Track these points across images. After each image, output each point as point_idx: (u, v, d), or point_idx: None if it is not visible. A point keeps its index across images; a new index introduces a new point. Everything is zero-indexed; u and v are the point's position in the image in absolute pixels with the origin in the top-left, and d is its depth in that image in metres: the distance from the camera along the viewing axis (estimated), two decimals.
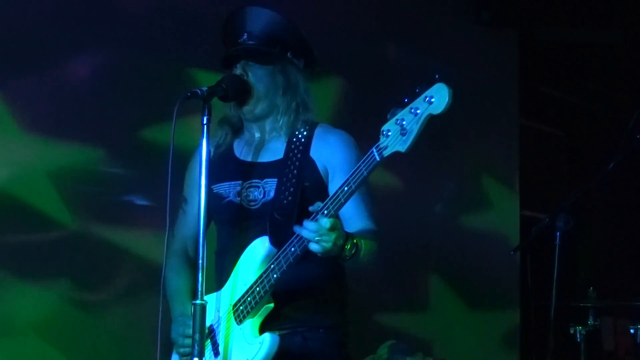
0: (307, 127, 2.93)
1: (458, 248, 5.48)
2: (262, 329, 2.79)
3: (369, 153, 2.58)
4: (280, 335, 2.79)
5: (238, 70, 2.91)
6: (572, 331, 4.59)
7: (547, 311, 4.34)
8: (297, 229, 2.64)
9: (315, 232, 2.60)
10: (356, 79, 5.06)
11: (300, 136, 2.93)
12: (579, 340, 4.60)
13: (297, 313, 2.85)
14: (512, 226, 5.67)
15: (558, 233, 4.35)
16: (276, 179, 2.89)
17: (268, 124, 2.98)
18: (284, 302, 2.82)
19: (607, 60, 6.02)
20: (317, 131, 2.94)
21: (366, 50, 5.19)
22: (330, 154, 2.90)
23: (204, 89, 2.75)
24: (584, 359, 4.61)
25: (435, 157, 5.34)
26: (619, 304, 4.83)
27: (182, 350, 2.89)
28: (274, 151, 2.95)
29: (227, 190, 2.95)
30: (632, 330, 4.43)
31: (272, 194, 2.88)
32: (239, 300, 2.80)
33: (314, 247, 2.63)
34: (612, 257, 6.17)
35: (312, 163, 2.90)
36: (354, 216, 2.83)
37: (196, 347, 2.63)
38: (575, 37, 5.87)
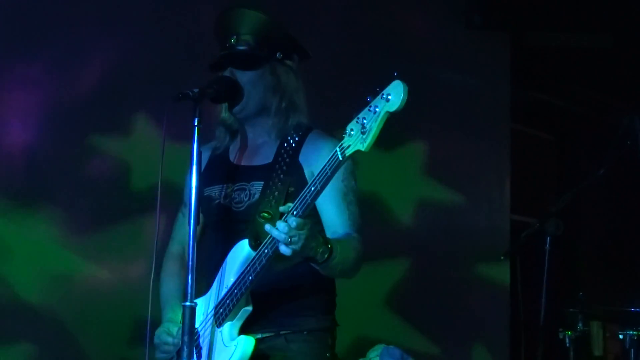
0: (300, 133, 2.93)
1: (447, 252, 5.49)
2: (242, 332, 2.79)
3: (332, 152, 2.58)
4: (263, 339, 2.80)
5: (227, 73, 2.91)
6: (561, 336, 4.61)
7: (536, 316, 4.35)
8: (267, 227, 2.63)
9: (284, 233, 2.58)
10: (346, 83, 5.06)
11: (291, 141, 2.93)
12: (568, 345, 4.62)
13: (280, 315, 2.84)
14: (502, 231, 5.69)
15: (548, 238, 4.38)
16: (262, 182, 2.90)
17: (259, 126, 2.97)
18: (266, 305, 2.82)
19: (598, 65, 6.03)
20: (309, 137, 2.93)
21: (356, 54, 5.18)
22: (317, 160, 2.84)
23: (195, 90, 2.73)
24: None
25: (426, 160, 5.34)
26: (608, 309, 4.83)
27: (161, 355, 2.91)
28: (264, 155, 2.95)
29: (216, 193, 2.95)
30: (620, 336, 4.44)
31: (257, 196, 2.89)
32: (219, 303, 2.81)
33: (283, 248, 2.60)
34: (601, 262, 6.19)
35: (300, 168, 2.90)
36: (335, 223, 2.83)
37: (185, 349, 2.61)
38: (566, 41, 5.88)
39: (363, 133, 2.49)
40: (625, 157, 4.43)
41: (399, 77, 2.46)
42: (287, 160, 2.90)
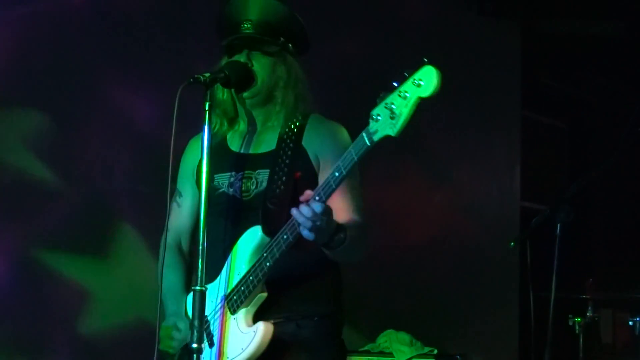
0: (300, 117, 2.93)
1: (458, 239, 5.50)
2: (256, 318, 2.79)
3: (358, 137, 2.55)
4: (275, 324, 2.80)
5: (242, 58, 2.90)
6: (570, 323, 4.62)
7: (546, 303, 4.35)
8: (294, 211, 2.62)
9: (309, 217, 2.58)
10: (357, 68, 5.06)
11: (292, 127, 2.93)
12: (577, 332, 4.63)
13: (291, 302, 2.84)
14: (513, 218, 5.71)
15: (558, 224, 4.37)
16: (268, 170, 2.89)
17: (262, 114, 2.97)
18: (278, 291, 2.81)
19: (610, 52, 6.02)
20: (310, 121, 2.93)
21: (368, 39, 5.19)
22: (322, 143, 2.88)
23: (207, 75, 2.73)
24: (582, 351, 4.66)
25: (436, 148, 5.35)
26: (618, 296, 4.85)
27: (167, 349, 2.90)
28: (267, 142, 2.94)
29: (220, 182, 2.93)
30: (630, 323, 4.45)
31: (264, 184, 2.88)
32: (232, 290, 2.80)
33: (306, 233, 2.61)
34: (612, 249, 6.18)
35: (304, 153, 2.89)
36: (342, 208, 2.80)
37: (195, 334, 2.61)
38: (578, 28, 5.88)
39: (392, 118, 2.47)
40: (637, 144, 4.43)
41: (430, 63, 2.44)
42: (291, 145, 2.89)
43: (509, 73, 5.81)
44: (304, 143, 2.90)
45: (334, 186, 2.60)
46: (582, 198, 4.60)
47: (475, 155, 5.63)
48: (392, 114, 2.48)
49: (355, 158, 2.57)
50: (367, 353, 4.60)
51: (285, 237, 2.69)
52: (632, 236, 6.28)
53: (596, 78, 6.39)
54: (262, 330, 2.76)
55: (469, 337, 5.15)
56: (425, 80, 2.44)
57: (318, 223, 2.60)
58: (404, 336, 4.64)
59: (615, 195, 6.08)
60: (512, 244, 5.25)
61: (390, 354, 4.58)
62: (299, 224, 2.61)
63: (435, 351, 4.58)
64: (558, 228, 4.36)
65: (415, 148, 5.21)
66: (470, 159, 5.61)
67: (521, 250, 5.40)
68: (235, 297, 2.79)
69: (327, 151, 2.86)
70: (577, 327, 4.62)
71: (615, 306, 5.36)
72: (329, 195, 2.61)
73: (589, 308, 4.60)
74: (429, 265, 5.42)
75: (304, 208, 2.59)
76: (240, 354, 2.77)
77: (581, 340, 4.62)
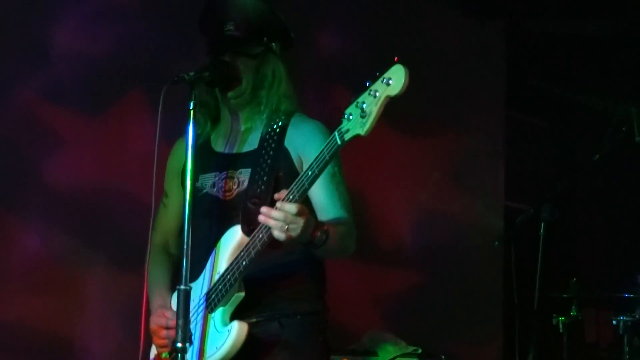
0: (282, 117, 2.94)
1: (442, 237, 5.52)
2: (234, 318, 2.80)
3: (331, 137, 2.58)
4: (257, 323, 2.81)
5: (226, 58, 2.91)
6: (554, 322, 4.60)
7: (530, 302, 4.37)
8: (261, 218, 2.64)
9: (281, 220, 2.60)
10: (341, 68, 5.06)
11: (275, 126, 2.94)
12: (561, 331, 4.61)
13: (273, 300, 2.85)
14: (497, 217, 5.74)
15: (542, 224, 4.39)
16: (250, 169, 2.90)
17: (246, 114, 2.99)
18: (260, 290, 2.83)
19: (594, 52, 6.05)
20: (293, 121, 2.95)
21: (352, 39, 5.19)
22: (304, 143, 2.89)
23: (191, 74, 2.73)
24: (566, 351, 4.63)
25: (420, 147, 5.36)
26: (602, 296, 4.87)
27: (161, 343, 2.91)
28: (250, 142, 2.97)
29: (203, 183, 2.95)
30: (614, 322, 4.43)
31: (245, 183, 2.90)
32: (211, 289, 2.82)
33: (278, 234, 2.62)
34: (596, 248, 6.21)
35: (286, 153, 2.91)
36: (327, 206, 2.83)
37: (180, 333, 2.62)
38: (562, 28, 5.90)
39: (363, 117, 2.50)
40: (620, 144, 4.45)
41: (399, 62, 2.46)
42: (273, 145, 2.91)
43: (492, 73, 5.84)
44: (286, 143, 2.91)
45: (307, 185, 2.62)
46: (566, 197, 4.62)
47: (459, 154, 5.65)
48: (362, 112, 2.51)
49: (327, 157, 2.59)
50: (352, 352, 4.60)
51: (260, 236, 2.70)
52: (616, 235, 6.30)
53: (580, 77, 6.41)
54: (236, 330, 2.77)
55: (453, 336, 5.17)
56: (395, 79, 2.46)
57: (293, 224, 2.61)
58: (388, 335, 4.67)
59: (599, 194, 6.10)
60: (497, 243, 5.28)
61: (374, 354, 4.59)
62: (272, 227, 2.63)
63: (420, 350, 4.59)
64: (542, 227, 4.38)
65: (400, 147, 5.23)
66: (455, 158, 5.63)
67: (505, 250, 5.41)
68: (213, 296, 2.81)
69: (309, 150, 2.84)
70: (561, 326, 4.58)
71: (599, 305, 5.38)
72: (301, 194, 2.63)
73: (573, 307, 4.57)
74: (414, 264, 5.44)
75: (273, 212, 2.61)
76: (215, 352, 2.78)
77: (565, 339, 4.60)
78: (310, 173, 2.61)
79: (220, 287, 2.79)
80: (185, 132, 2.68)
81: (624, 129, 4.46)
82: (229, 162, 2.95)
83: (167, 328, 2.87)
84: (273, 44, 2.96)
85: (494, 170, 5.80)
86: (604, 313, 4.69)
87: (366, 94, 2.50)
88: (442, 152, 5.57)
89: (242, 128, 3.00)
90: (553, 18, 5.83)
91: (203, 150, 2.95)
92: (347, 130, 2.53)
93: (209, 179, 2.95)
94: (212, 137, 3.03)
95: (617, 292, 4.61)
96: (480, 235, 5.55)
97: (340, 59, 5.12)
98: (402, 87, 2.45)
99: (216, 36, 2.94)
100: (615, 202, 6.38)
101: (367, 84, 2.51)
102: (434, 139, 5.45)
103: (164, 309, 2.93)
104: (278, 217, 2.60)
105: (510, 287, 5.47)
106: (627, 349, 4.36)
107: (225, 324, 2.79)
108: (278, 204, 2.61)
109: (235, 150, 2.98)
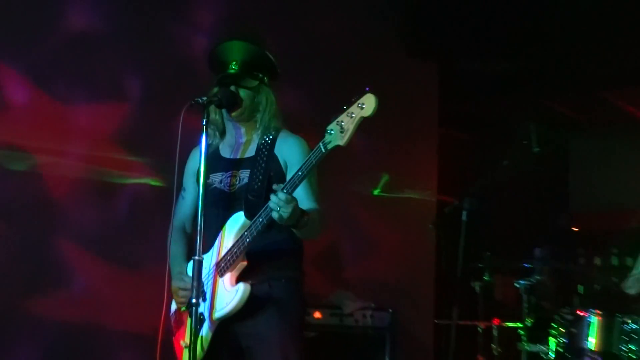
0: (273, 132, 2.94)
1: (392, 223, 5.46)
2: (238, 280, 2.78)
3: (317, 147, 2.58)
4: (252, 285, 2.78)
5: (231, 88, 2.88)
6: (472, 285, 4.65)
7: (455, 270, 4.41)
8: (272, 196, 2.62)
9: (277, 204, 2.60)
10: (299, 100, 4.75)
11: (267, 139, 2.93)
12: (477, 291, 4.67)
13: (265, 268, 2.83)
14: (431, 207, 5.69)
15: (464, 212, 4.44)
16: (249, 170, 2.89)
17: (245, 129, 2.97)
18: (256, 260, 2.80)
19: (504, 84, 6.07)
20: (280, 135, 2.93)
21: (312, 82, 4.92)
22: (289, 152, 2.88)
23: (204, 98, 2.72)
24: (481, 306, 4.71)
25: (374, 157, 5.33)
26: (508, 265, 4.86)
27: (180, 300, 2.87)
28: (249, 150, 2.94)
29: (213, 180, 2.92)
30: (516, 285, 4.44)
31: (246, 180, 2.87)
32: (221, 259, 2.79)
33: (275, 215, 2.61)
34: (503, 230, 6.22)
35: (276, 158, 2.89)
36: (304, 198, 2.79)
37: (194, 291, 2.61)
38: (480, 66, 5.92)
39: (342, 132, 2.51)
40: (523, 153, 4.50)
41: (371, 91, 2.49)
42: (266, 153, 2.89)
43: (429, 100, 5.77)
44: (275, 151, 2.90)
45: (297, 182, 2.62)
46: (483, 192, 4.65)
47: (406, 160, 5.60)
48: (341, 129, 2.52)
49: (314, 162, 2.59)
50: (322, 306, 4.58)
51: (260, 219, 2.69)
52: (518, 220, 6.36)
53: (495, 103, 6.43)
54: (242, 289, 2.75)
55: (398, 296, 5.07)
56: (367, 104, 2.49)
57: (284, 208, 2.60)
58: (350, 294, 4.65)
59: (507, 190, 6.09)
60: (431, 226, 5.32)
61: (339, 308, 4.57)
62: (271, 209, 2.63)
63: (373, 305, 4.56)
64: (464, 215, 4.42)
65: (356, 159, 5.13)
66: (402, 164, 5.58)
67: (437, 231, 5.40)
68: (223, 265, 2.78)
69: (292, 157, 2.87)
70: (477, 288, 4.66)
71: (505, 272, 5.41)
72: (293, 189, 2.62)
73: (486, 274, 4.63)
74: (371, 242, 5.37)
75: (274, 197, 2.61)
76: (225, 307, 2.76)
77: (480, 298, 4.67)
78: (300, 173, 2.61)
79: (228, 257, 2.77)
80: (199, 142, 2.69)
81: (524, 142, 4.51)
82: (233, 165, 2.93)
83: (184, 289, 2.84)
84: (265, 77, 2.94)
85: (430, 173, 5.76)
86: (509, 278, 4.70)
87: (344, 114, 2.52)
88: (392, 159, 5.49)
89: (243, 140, 2.98)
90: (474, 59, 5.84)
91: (213, 155, 2.94)
92: (330, 142, 2.54)
93: (217, 177, 2.92)
94: (220, 146, 3.01)
95: (519, 263, 4.62)
96: (419, 220, 5.49)
97: (298, 94, 4.73)
98: (373, 110, 2.48)
99: (223, 72, 2.91)
100: (519, 196, 6.43)
101: (345, 107, 2.53)
102: (385, 148, 5.38)
103: (182, 274, 2.90)
104: (277, 202, 2.60)
105: (440, 259, 5.54)
106: (525, 304, 4.39)
107: (233, 285, 2.77)
108: (278, 194, 2.60)
109: (238, 156, 2.96)
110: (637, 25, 4.88)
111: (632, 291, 4.73)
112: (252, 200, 2.80)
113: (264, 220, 2.68)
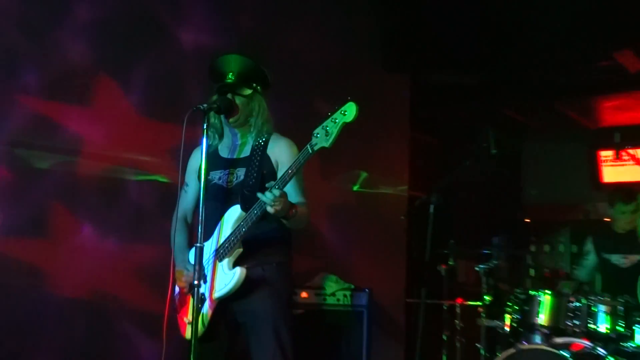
0: (265, 136, 2.95)
1: (368, 215, 5.42)
2: (234, 265, 2.80)
3: (304, 148, 2.61)
4: (247, 268, 2.80)
5: (229, 96, 2.90)
6: (439, 269, 4.66)
7: (423, 255, 4.45)
8: (259, 195, 2.66)
9: (270, 199, 2.63)
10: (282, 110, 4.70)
11: (260, 141, 2.94)
12: (443, 275, 4.68)
13: (258, 254, 2.84)
14: (403, 201, 5.64)
15: (432, 206, 4.48)
16: (245, 168, 2.90)
17: (241, 132, 2.98)
18: (251, 247, 2.81)
19: (467, 94, 6.12)
20: (272, 138, 2.94)
21: (294, 84, 4.73)
22: (280, 152, 2.90)
23: (205, 105, 2.71)
24: (446, 287, 4.71)
25: (353, 157, 5.30)
26: (470, 251, 4.89)
27: (183, 283, 2.88)
28: (244, 151, 2.95)
29: (213, 176, 2.92)
30: (476, 269, 4.48)
31: (242, 177, 2.88)
32: (220, 246, 2.81)
33: (269, 209, 2.64)
34: (466, 221, 6.18)
35: (268, 158, 2.90)
36: (293, 193, 2.82)
37: (195, 274, 2.62)
38: (446, 78, 5.95)
39: (327, 135, 2.56)
40: (482, 154, 4.56)
41: (352, 100, 2.54)
42: (260, 153, 2.90)
43: (401, 107, 5.74)
44: (268, 152, 2.92)
45: (287, 179, 2.66)
46: (448, 188, 4.69)
47: (380, 160, 5.57)
48: (326, 133, 2.57)
49: (302, 161, 2.64)
50: (308, 287, 4.56)
51: (255, 212, 2.72)
52: (479, 212, 6.39)
53: (459, 110, 6.45)
54: (239, 272, 2.77)
55: (374, 278, 4.99)
56: (348, 111, 2.55)
57: (277, 203, 2.63)
58: (332, 277, 4.62)
59: (469, 186, 6.06)
60: (403, 217, 5.35)
61: (323, 288, 4.54)
62: (265, 204, 2.66)
63: (352, 286, 4.54)
64: (431, 208, 4.45)
65: (339, 159, 5.10)
66: (377, 163, 5.54)
67: (408, 222, 5.42)
68: (221, 251, 2.80)
69: (283, 157, 2.90)
70: (443, 272, 4.67)
71: (467, 258, 5.46)
72: (284, 185, 2.66)
73: (450, 259, 4.65)
74: (351, 231, 5.32)
75: (267, 193, 2.64)
76: (224, 287, 2.78)
77: (445, 280, 4.68)
78: (290, 171, 2.64)
79: (226, 245, 2.79)
80: (201, 143, 2.69)
81: (484, 144, 4.57)
82: (230, 164, 2.93)
83: (187, 276, 2.85)
84: (258, 87, 2.94)
85: (402, 171, 5.70)
86: (471, 263, 4.73)
87: (329, 120, 2.57)
88: (370, 159, 5.45)
89: (239, 142, 2.98)
90: (441, 72, 5.86)
91: (214, 156, 2.95)
92: (316, 144, 2.58)
93: (217, 174, 2.92)
94: (219, 147, 3.01)
95: (479, 249, 4.67)
96: (392, 213, 5.47)
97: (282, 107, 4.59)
98: (354, 116, 2.53)
99: (221, 82, 2.92)
100: (479, 191, 6.46)
101: (329, 114, 2.57)
102: (364, 150, 5.29)
103: (184, 262, 2.90)
104: (270, 197, 2.62)
105: (411, 246, 5.58)
106: (484, 285, 4.42)
107: (230, 269, 2.78)
108: (272, 191, 2.61)
109: (235, 156, 2.96)
110: (576, 44, 4.99)
111: (582, 277, 4.84)
112: (247, 195, 2.80)
113: (258, 212, 2.70)
